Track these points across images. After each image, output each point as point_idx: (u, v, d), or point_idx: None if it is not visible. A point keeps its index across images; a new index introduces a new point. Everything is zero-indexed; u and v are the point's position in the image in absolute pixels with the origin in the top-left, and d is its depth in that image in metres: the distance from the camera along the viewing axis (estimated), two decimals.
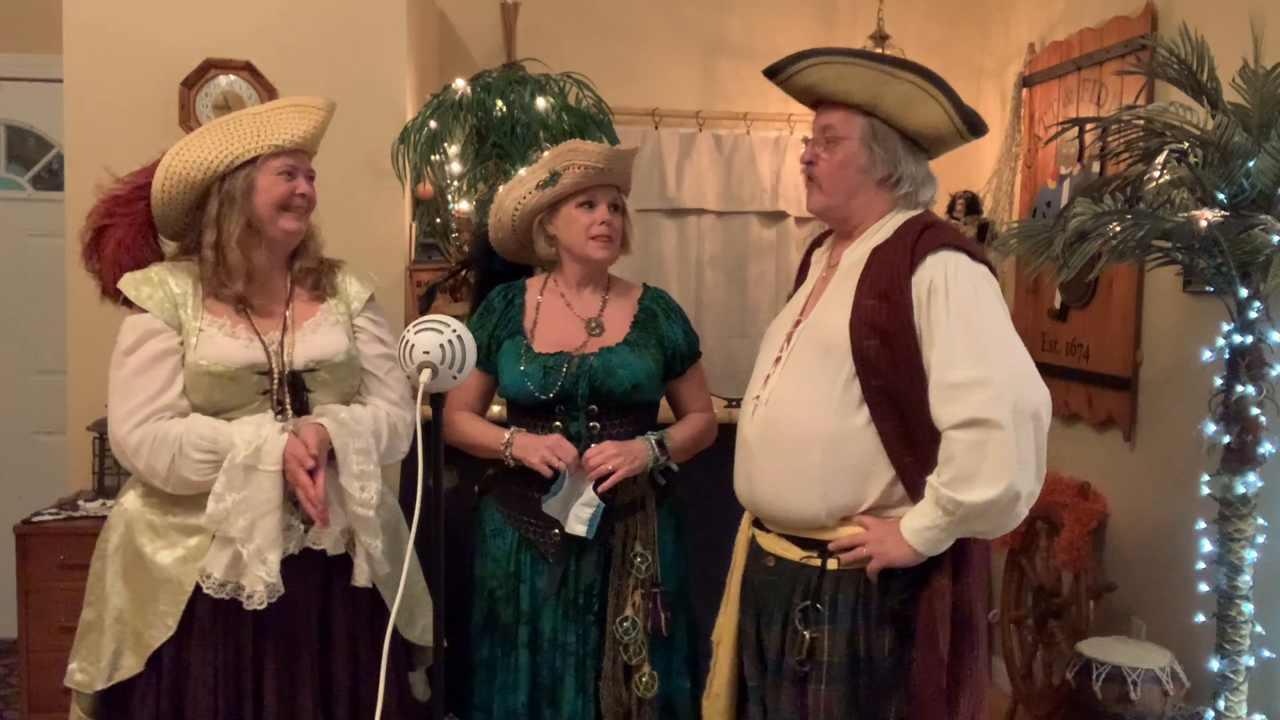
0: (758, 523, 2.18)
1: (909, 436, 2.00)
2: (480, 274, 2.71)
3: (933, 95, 2.04)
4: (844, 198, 2.12)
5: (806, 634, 2.01)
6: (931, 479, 1.95)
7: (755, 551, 2.16)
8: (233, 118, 2.21)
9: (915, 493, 2.00)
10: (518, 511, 2.44)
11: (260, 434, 2.07)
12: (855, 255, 2.12)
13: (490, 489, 2.53)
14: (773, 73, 2.16)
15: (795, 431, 2.04)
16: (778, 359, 2.12)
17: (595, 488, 2.34)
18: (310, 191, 2.21)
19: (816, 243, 2.31)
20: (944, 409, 1.94)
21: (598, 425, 2.41)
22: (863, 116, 2.09)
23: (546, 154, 2.53)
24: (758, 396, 2.12)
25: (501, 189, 2.58)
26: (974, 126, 2.07)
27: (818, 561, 2.05)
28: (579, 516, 2.35)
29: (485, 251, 2.66)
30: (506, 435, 2.41)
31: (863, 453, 2.01)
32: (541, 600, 2.42)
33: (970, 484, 1.90)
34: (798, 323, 2.14)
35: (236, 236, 2.14)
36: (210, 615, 2.11)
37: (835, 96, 2.10)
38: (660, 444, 2.42)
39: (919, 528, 1.96)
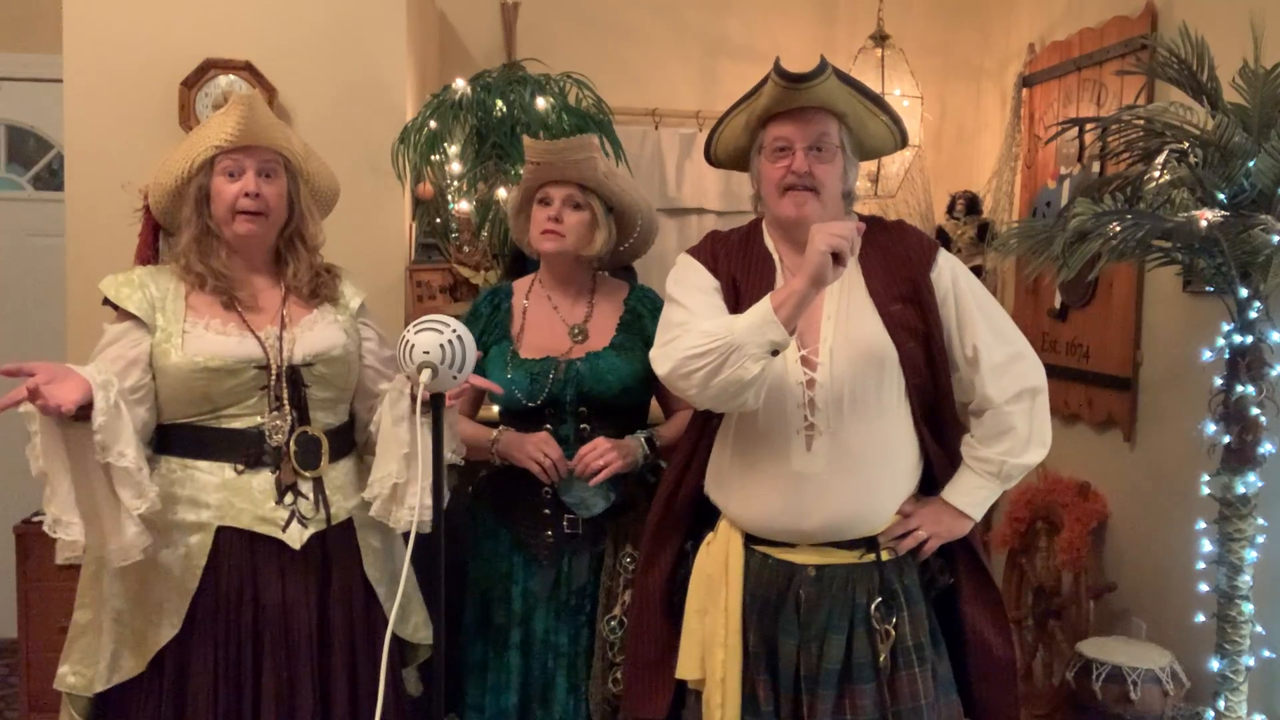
0: (760, 541, 2.15)
1: (937, 426, 2.17)
2: (515, 277, 2.73)
3: (876, 114, 2.18)
4: (832, 207, 2.16)
5: (889, 628, 2.08)
6: (984, 453, 2.14)
7: (783, 569, 2.12)
8: (201, 124, 2.27)
9: (939, 476, 2.17)
10: (511, 513, 2.45)
11: None
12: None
13: (483, 491, 2.53)
14: (807, 77, 2.08)
15: (875, 450, 2.10)
16: (809, 383, 2.08)
17: (589, 483, 2.36)
18: (259, 189, 2.18)
19: (707, 254, 2.24)
20: (994, 387, 2.12)
21: (588, 428, 2.41)
22: (845, 129, 2.17)
23: None
24: (809, 426, 2.08)
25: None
26: (905, 139, 2.26)
27: (873, 557, 2.11)
28: (594, 498, 2.37)
29: (515, 259, 2.68)
30: (494, 434, 2.41)
31: (911, 450, 2.15)
32: (534, 602, 2.42)
33: (1027, 447, 2.14)
34: (797, 342, 2.09)
35: (186, 242, 2.19)
36: (211, 614, 2.11)
37: (842, 109, 2.15)
38: (649, 441, 2.43)
39: (978, 500, 2.16)
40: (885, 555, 2.12)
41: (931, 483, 2.20)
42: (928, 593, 2.18)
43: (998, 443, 2.14)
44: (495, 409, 2.62)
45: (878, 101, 2.19)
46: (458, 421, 2.32)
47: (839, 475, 2.07)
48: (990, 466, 2.14)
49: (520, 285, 2.57)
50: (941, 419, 2.17)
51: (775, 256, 2.21)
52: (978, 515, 2.17)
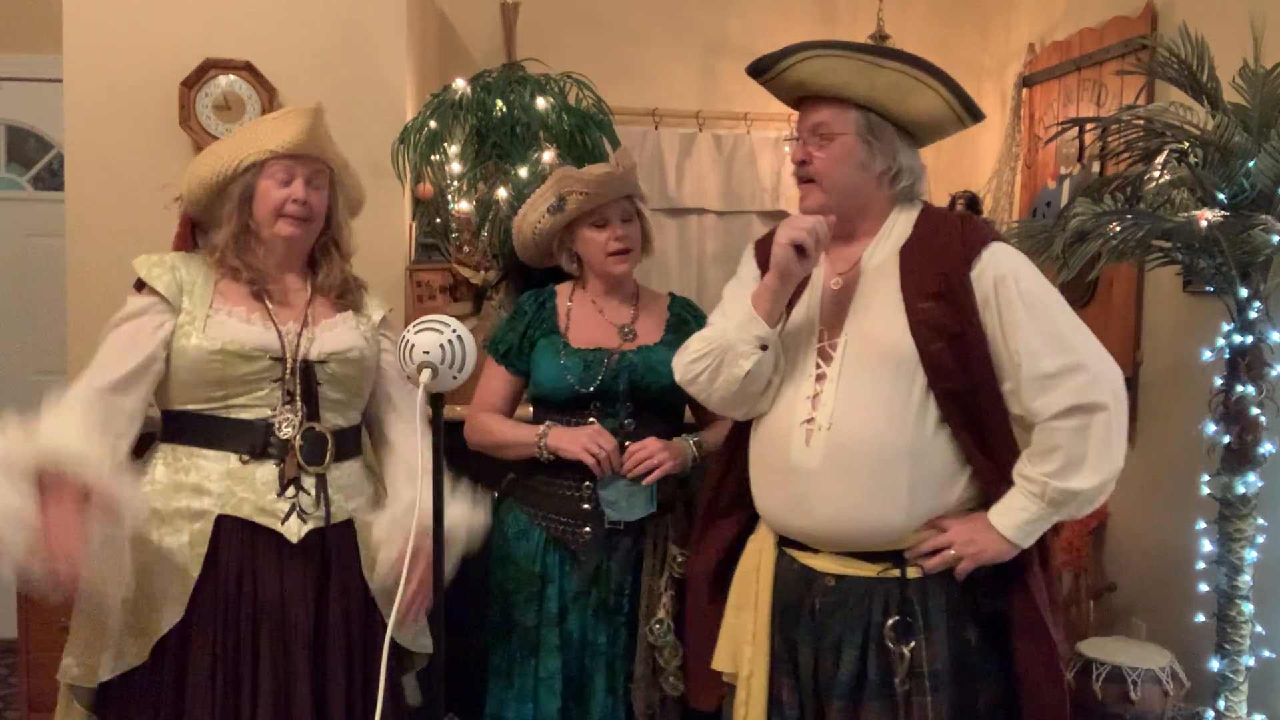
0: (790, 544, 2.09)
1: (982, 437, 1.98)
2: (520, 285, 2.72)
3: (926, 83, 2.00)
4: (844, 195, 2.05)
5: (905, 650, 1.96)
6: (1029, 471, 1.95)
7: (804, 574, 2.06)
8: (249, 124, 2.32)
9: (993, 493, 1.99)
10: (547, 509, 2.43)
11: None
12: (878, 258, 2.06)
13: (513, 491, 2.52)
14: (759, 70, 2.08)
15: (875, 451, 1.95)
16: (819, 376, 2.02)
17: (639, 482, 2.36)
18: (307, 197, 2.23)
19: (763, 244, 2.18)
20: (1040, 400, 1.93)
21: (633, 423, 2.40)
22: (856, 109, 2.02)
23: (549, 179, 2.51)
24: (810, 420, 2.00)
25: (518, 214, 2.58)
26: (973, 111, 2.05)
27: (896, 573, 1.99)
28: (634, 501, 2.37)
29: (520, 267, 2.67)
30: (541, 429, 2.40)
31: (943, 460, 1.98)
32: (568, 602, 2.41)
33: (1077, 471, 1.93)
34: (821, 334, 2.06)
35: (225, 238, 2.21)
36: (211, 604, 2.12)
37: (828, 91, 2.03)
38: (699, 445, 2.43)
39: (1019, 523, 1.96)
40: (912, 572, 1.98)
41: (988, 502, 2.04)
42: (971, 613, 2.02)
43: (1043, 462, 1.94)
44: (530, 409, 2.60)
45: (921, 65, 2.00)
46: None
47: (835, 473, 1.96)
48: (1034, 487, 1.95)
49: (562, 289, 2.56)
50: (986, 429, 1.98)
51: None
52: (1022, 540, 1.97)
